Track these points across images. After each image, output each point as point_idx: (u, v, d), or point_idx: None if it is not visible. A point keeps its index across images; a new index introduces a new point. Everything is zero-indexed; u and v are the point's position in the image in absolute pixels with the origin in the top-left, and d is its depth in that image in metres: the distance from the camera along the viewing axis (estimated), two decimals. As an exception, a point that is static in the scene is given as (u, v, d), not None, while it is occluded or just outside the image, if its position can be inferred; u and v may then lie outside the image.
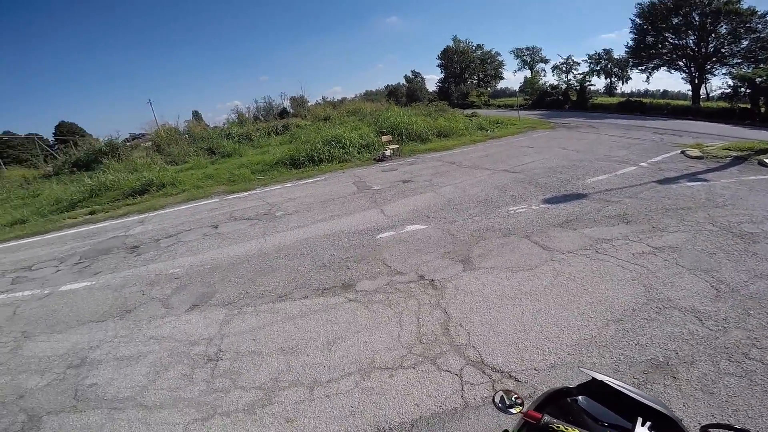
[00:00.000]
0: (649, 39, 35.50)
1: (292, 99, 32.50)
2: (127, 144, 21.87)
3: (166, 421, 2.85)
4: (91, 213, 10.04)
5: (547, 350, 3.18)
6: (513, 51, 52.29)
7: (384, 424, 2.65)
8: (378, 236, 5.97)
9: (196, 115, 39.55)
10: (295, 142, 15.07)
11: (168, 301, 4.69)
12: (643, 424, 1.05)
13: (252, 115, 27.71)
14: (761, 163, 9.36)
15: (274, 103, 31.22)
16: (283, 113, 30.31)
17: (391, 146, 13.60)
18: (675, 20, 32.66)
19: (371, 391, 2.94)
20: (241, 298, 4.55)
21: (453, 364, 3.13)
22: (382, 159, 12.63)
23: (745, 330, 3.23)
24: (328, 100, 36.88)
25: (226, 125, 22.94)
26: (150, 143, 19.43)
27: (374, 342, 3.50)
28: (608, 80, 43.42)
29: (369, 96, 47.70)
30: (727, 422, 1.14)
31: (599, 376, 1.22)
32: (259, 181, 11.26)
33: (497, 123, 19.98)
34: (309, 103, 32.21)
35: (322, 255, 5.49)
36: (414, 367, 3.14)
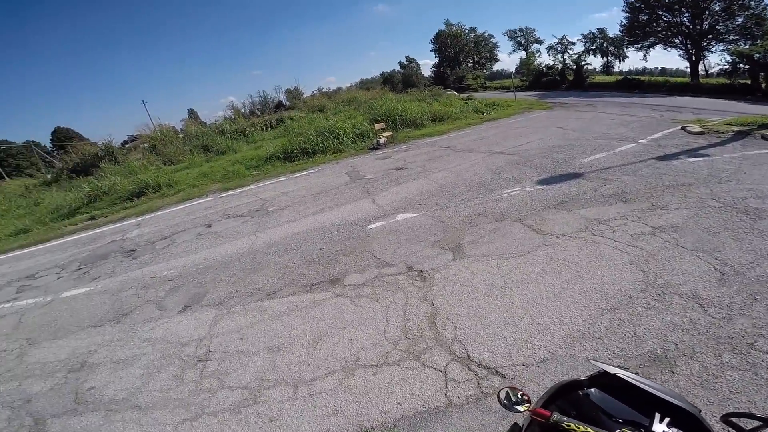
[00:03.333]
0: (643, 17, 34.74)
1: (288, 91, 32.32)
2: (125, 147, 21.86)
3: (158, 422, 2.90)
4: (91, 219, 10.10)
5: (537, 343, 3.04)
6: (506, 33, 51.75)
7: (366, 424, 2.58)
8: (368, 227, 5.85)
9: (192, 113, 39.47)
10: (288, 135, 14.90)
11: (162, 303, 4.70)
12: (661, 420, 0.98)
13: (248, 110, 27.56)
14: (764, 137, 9.05)
15: (269, 97, 31.05)
16: (279, 106, 30.09)
17: (385, 134, 13.40)
18: (667, -2, 31.82)
19: (354, 390, 2.88)
20: (230, 297, 4.52)
21: (438, 361, 3.03)
22: (376, 147, 12.45)
23: (751, 318, 3.03)
24: (324, 90, 36.62)
25: (220, 122, 22.80)
26: (146, 144, 19.35)
27: (359, 338, 3.42)
28: (605, 59, 42.74)
29: (364, 84, 47.29)
30: (750, 412, 1.06)
31: (611, 369, 1.15)
32: (253, 176, 11.16)
33: (493, 105, 19.65)
34: (304, 95, 32.00)
35: (311, 249, 5.38)
36: (398, 364, 3.05)
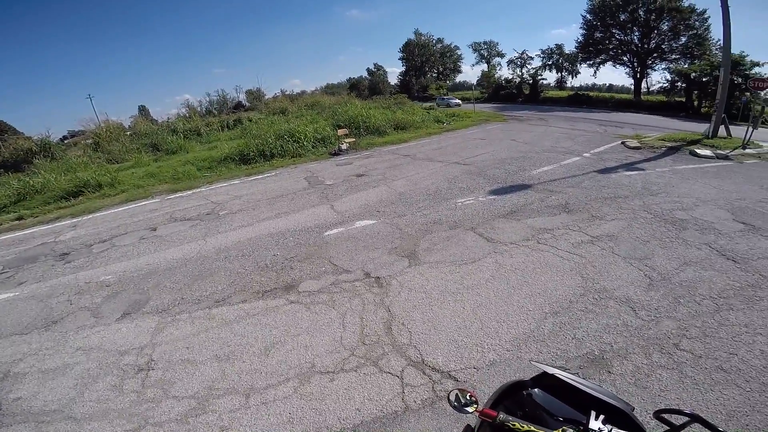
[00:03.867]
0: (598, 35, 37.57)
1: (248, 92, 31.52)
2: (64, 142, 20.21)
3: (97, 433, 2.73)
4: (18, 219, 9.15)
5: (487, 347, 3.16)
6: (471, 45, 53.62)
7: (324, 431, 2.55)
8: (326, 233, 5.79)
9: (143, 110, 37.31)
10: (245, 137, 14.47)
11: (98, 310, 4.39)
12: (596, 418, 1.03)
13: (204, 109, 26.48)
14: (692, 153, 10.07)
15: (228, 97, 30.07)
16: (239, 106, 29.20)
17: (347, 140, 13.37)
18: (622, 16, 34.73)
19: (311, 397, 2.82)
20: (176, 304, 4.29)
21: (394, 366, 3.05)
22: (337, 153, 12.38)
23: (676, 320, 3.36)
24: (287, 93, 36.00)
25: (173, 120, 21.72)
26: (89, 141, 18.00)
27: (315, 345, 3.36)
28: (559, 74, 45.47)
29: (330, 89, 47.08)
30: (678, 408, 1.13)
31: (550, 370, 1.20)
32: (205, 178, 10.70)
33: (453, 116, 20.29)
34: (266, 96, 31.34)
35: (264, 255, 5.24)
36: (356, 370, 3.04)
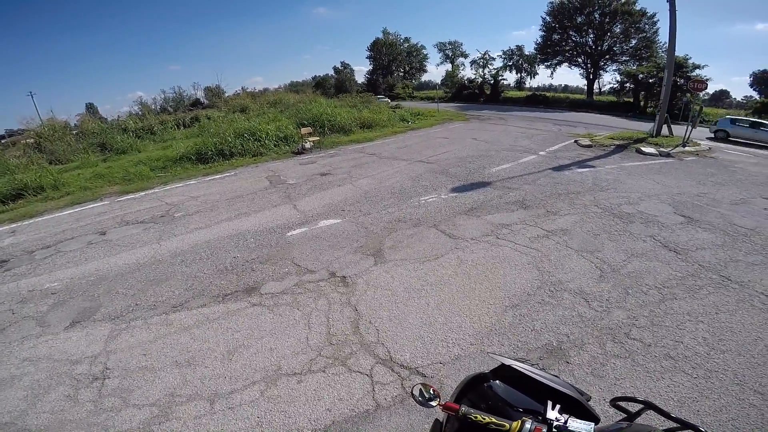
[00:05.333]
0: (555, 36, 39.32)
1: (207, 89, 30.32)
2: (1, 142, 18.58)
3: (55, 444, 2.60)
4: (-56, 226, 8.23)
5: (451, 342, 3.23)
6: (437, 45, 54.51)
7: None
8: (288, 234, 5.68)
9: (91, 108, 34.96)
10: (203, 135, 13.88)
11: (44, 318, 4.09)
12: (553, 407, 1.05)
13: (159, 107, 25.18)
14: (638, 151, 10.79)
15: (185, 94, 28.78)
16: (196, 104, 28.01)
17: (311, 138, 13.16)
18: (579, 19, 36.59)
19: (278, 399, 2.77)
20: (129, 311, 4.07)
21: (363, 364, 3.05)
22: (301, 152, 12.17)
23: (625, 309, 3.57)
24: (248, 90, 34.94)
25: (124, 118, 20.49)
26: (31, 140, 16.63)
27: (280, 347, 3.29)
28: (519, 75, 47.17)
29: (294, 87, 46.19)
30: (633, 396, 1.19)
31: (507, 361, 1.23)
32: (159, 179, 10.13)
33: (418, 115, 20.52)
34: (226, 94, 30.25)
35: (224, 258, 5.05)
36: (324, 371, 3.01)
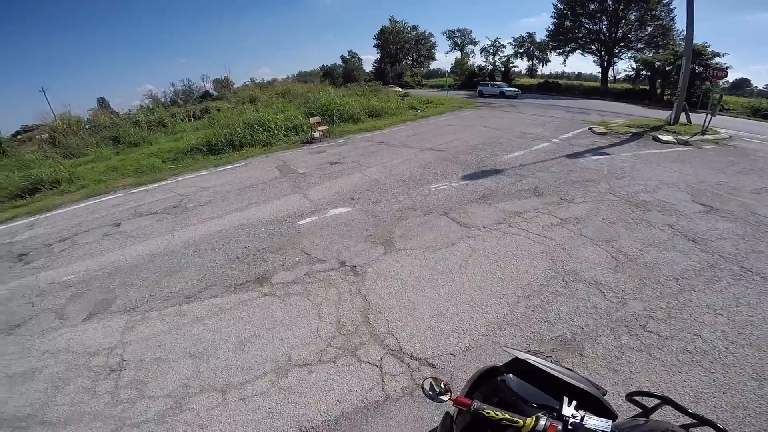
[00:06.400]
0: (568, 24, 38.30)
1: (216, 81, 30.40)
2: (17, 138, 18.97)
3: (74, 436, 2.64)
4: (-33, 221, 8.46)
5: (462, 332, 3.19)
6: (445, 32, 53.42)
7: (305, 424, 2.52)
8: (298, 223, 5.68)
9: (103, 102, 35.37)
10: (213, 127, 13.95)
11: (62, 311, 4.18)
12: (569, 404, 1.01)
13: (169, 100, 25.37)
14: (655, 139, 10.49)
15: (195, 86, 28.91)
16: (206, 96, 28.14)
17: (320, 128, 13.12)
18: (592, 6, 35.52)
19: (289, 390, 2.78)
20: (144, 302, 4.13)
21: (373, 355, 3.04)
22: (310, 141, 12.14)
23: (642, 301, 3.47)
24: (257, 81, 34.96)
25: (135, 112, 20.71)
26: (46, 135, 16.95)
27: (291, 338, 3.31)
28: (530, 62, 46.17)
29: (303, 77, 46.06)
30: (649, 390, 1.15)
31: (522, 355, 1.18)
32: (171, 170, 10.24)
33: (427, 103, 20.28)
34: (235, 86, 30.28)
35: (235, 248, 5.08)
36: (334, 361, 3.01)
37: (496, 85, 30.32)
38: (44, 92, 43.47)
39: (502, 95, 27.41)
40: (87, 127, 17.90)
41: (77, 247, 5.89)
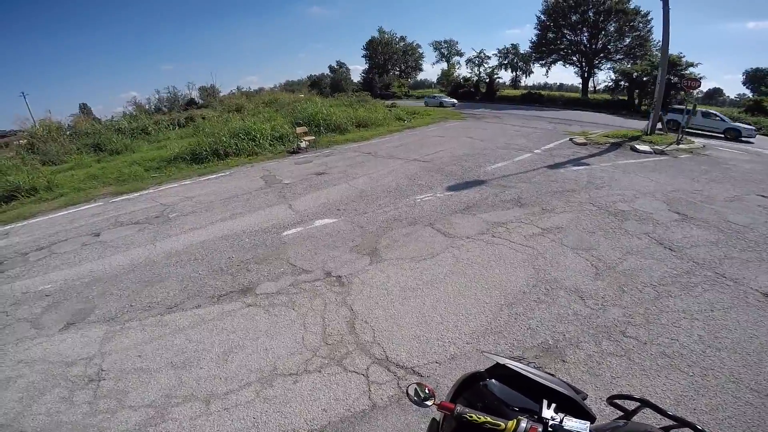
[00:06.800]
0: (550, 35, 39.49)
1: (201, 89, 30.14)
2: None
3: (50, 446, 2.59)
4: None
5: (447, 341, 3.22)
6: (432, 43, 54.54)
7: None
8: (284, 233, 5.65)
9: (84, 109, 34.62)
10: (198, 135, 13.80)
11: (38, 320, 4.07)
12: (549, 406, 1.05)
13: (153, 107, 25.03)
14: (633, 149, 10.85)
15: (180, 94, 28.62)
16: (191, 104, 27.86)
17: (307, 138, 13.12)
18: (574, 17, 36.80)
19: (274, 400, 2.75)
20: (124, 312, 4.04)
21: (359, 364, 3.04)
22: (296, 151, 12.12)
23: (621, 307, 3.58)
24: (243, 90, 34.83)
25: (118, 118, 20.35)
26: (24, 141, 16.51)
27: (276, 347, 3.28)
28: (514, 73, 47.39)
29: (290, 86, 46.03)
30: (629, 394, 1.19)
31: (502, 360, 1.22)
32: (154, 179, 10.06)
33: (414, 113, 20.53)
34: (221, 93, 30.12)
35: (219, 258, 5.02)
36: (320, 371, 3.00)
37: (436, 96, 35.48)
38: (24, 97, 42.41)
39: (441, 105, 31.87)
40: (68, 133, 17.52)
41: (55, 256, 5.72)
